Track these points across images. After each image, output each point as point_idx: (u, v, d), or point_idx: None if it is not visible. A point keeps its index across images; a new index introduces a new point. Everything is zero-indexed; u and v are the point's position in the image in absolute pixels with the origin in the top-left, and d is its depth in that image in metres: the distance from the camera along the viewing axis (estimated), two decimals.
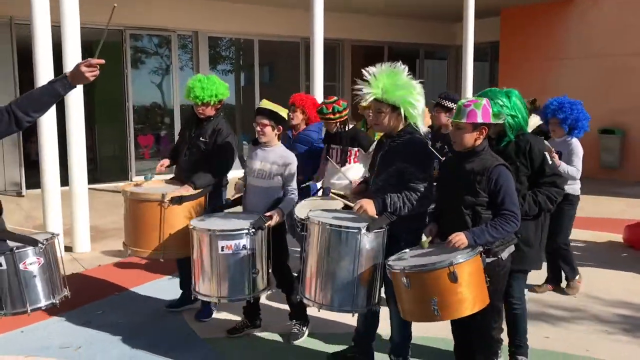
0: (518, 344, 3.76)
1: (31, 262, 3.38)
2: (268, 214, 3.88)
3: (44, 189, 6.46)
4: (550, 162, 3.48)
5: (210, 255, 3.75)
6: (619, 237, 7.05)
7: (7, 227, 3.39)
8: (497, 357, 3.49)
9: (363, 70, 3.43)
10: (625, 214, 8.40)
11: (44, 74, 6.26)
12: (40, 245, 3.40)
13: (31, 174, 9.58)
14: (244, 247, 3.73)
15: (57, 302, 3.54)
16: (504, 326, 3.61)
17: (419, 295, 3.00)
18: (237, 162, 4.84)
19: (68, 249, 6.60)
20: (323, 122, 5.14)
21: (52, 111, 6.35)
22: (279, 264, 4.11)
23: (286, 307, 4.38)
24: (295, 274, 4.39)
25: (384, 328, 3.89)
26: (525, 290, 3.87)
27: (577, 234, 7.14)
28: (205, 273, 3.81)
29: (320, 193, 5.08)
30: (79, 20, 6.51)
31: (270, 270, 4.04)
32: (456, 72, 14.82)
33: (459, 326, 3.50)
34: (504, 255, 3.20)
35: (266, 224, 3.82)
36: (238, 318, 4.50)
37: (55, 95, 3.01)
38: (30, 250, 3.38)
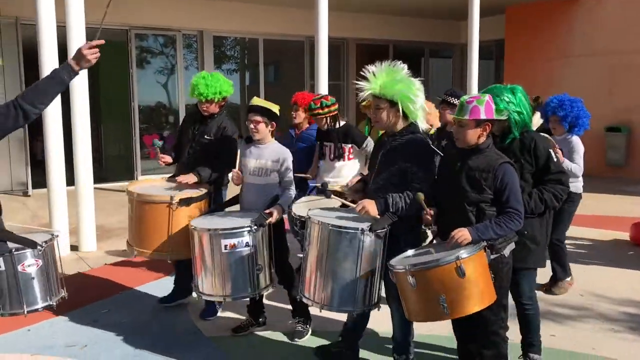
0: (530, 342, 3.73)
1: (29, 264, 3.39)
2: (268, 210, 3.89)
3: (50, 188, 6.48)
4: (555, 160, 3.45)
5: (212, 255, 3.75)
6: (625, 235, 7.02)
7: (14, 227, 3.41)
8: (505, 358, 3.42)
9: (363, 68, 3.44)
10: (631, 212, 8.36)
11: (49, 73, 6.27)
12: (39, 247, 3.40)
13: (37, 174, 9.62)
14: (247, 245, 3.74)
15: (54, 303, 3.54)
16: (511, 324, 3.58)
17: (426, 294, 2.94)
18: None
19: (74, 248, 6.62)
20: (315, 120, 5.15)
21: (58, 111, 6.39)
22: (280, 261, 4.12)
23: (289, 306, 4.38)
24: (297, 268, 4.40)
25: (383, 326, 3.90)
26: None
27: (583, 232, 7.13)
28: (208, 272, 3.81)
29: (315, 191, 5.08)
30: (84, 20, 6.52)
31: (272, 267, 4.05)
32: (461, 70, 14.78)
33: (461, 326, 3.42)
34: (506, 252, 3.18)
35: (267, 221, 3.83)
36: (243, 317, 4.51)
37: (60, 82, 3.05)
38: (29, 252, 3.38)
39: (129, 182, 4.97)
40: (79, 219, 6.66)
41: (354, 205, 3.44)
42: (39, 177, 8.74)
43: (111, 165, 12.29)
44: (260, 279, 3.86)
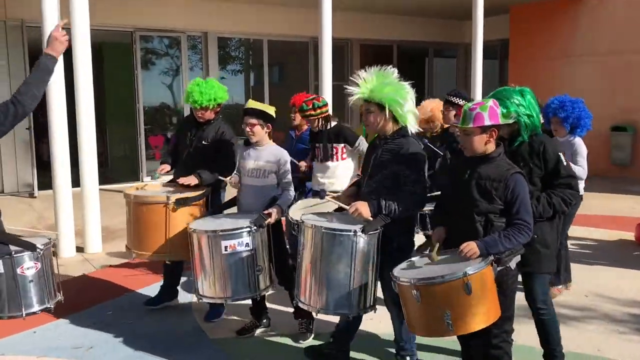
0: (552, 353, 3.61)
1: (28, 266, 3.41)
2: (267, 211, 3.90)
3: (56, 190, 6.52)
4: (565, 164, 3.39)
5: (212, 257, 3.76)
6: (630, 235, 6.99)
7: (12, 229, 3.43)
8: None
9: (355, 72, 3.49)
10: (636, 212, 8.33)
11: (55, 76, 6.29)
12: (38, 250, 3.43)
13: (43, 175, 9.67)
14: (247, 246, 3.75)
15: (52, 306, 3.57)
16: (524, 325, 3.54)
17: (431, 309, 2.86)
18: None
19: (79, 249, 6.65)
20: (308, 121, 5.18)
21: (64, 112, 6.42)
22: (279, 262, 4.13)
23: (291, 308, 4.39)
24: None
25: (381, 328, 3.91)
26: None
27: (588, 232, 7.11)
28: (207, 274, 3.82)
29: (311, 194, 5.09)
30: (88, 22, 6.55)
31: (272, 268, 4.06)
32: (465, 70, 14.75)
33: (464, 337, 3.30)
34: (512, 264, 3.10)
35: (266, 221, 3.84)
36: (248, 319, 4.51)
37: (47, 71, 3.27)
38: (27, 255, 3.40)
39: (133, 185, 4.99)
40: (85, 221, 6.69)
41: (348, 208, 3.45)
42: (45, 179, 8.78)
43: (116, 167, 12.34)
44: (260, 280, 3.87)
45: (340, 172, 4.84)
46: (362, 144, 4.87)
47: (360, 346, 4.05)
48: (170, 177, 4.82)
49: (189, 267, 4.06)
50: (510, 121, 3.25)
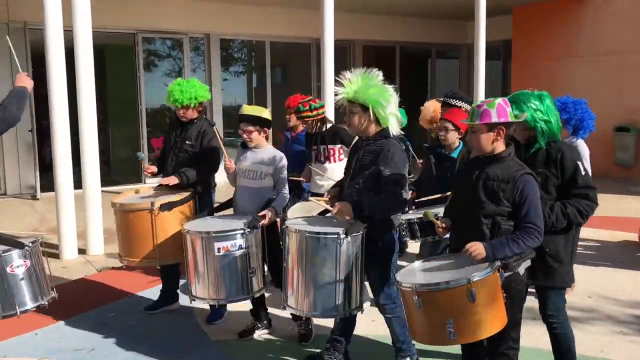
0: None
1: (18, 264, 3.42)
2: (261, 213, 3.90)
3: (58, 191, 6.51)
4: (583, 173, 3.23)
5: (205, 258, 3.76)
6: (634, 236, 6.96)
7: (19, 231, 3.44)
8: None
9: (340, 74, 3.52)
10: None
11: (57, 77, 6.32)
12: (26, 247, 3.44)
13: (46, 177, 9.68)
14: (240, 247, 3.75)
15: (46, 303, 3.58)
16: (534, 328, 3.48)
17: (433, 317, 2.76)
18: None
19: (82, 251, 6.65)
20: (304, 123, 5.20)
21: (65, 114, 6.43)
22: (275, 263, 4.12)
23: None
24: None
25: (379, 330, 3.88)
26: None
27: (592, 233, 7.08)
28: (201, 276, 3.82)
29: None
30: (90, 24, 6.56)
31: (266, 270, 4.05)
32: (468, 71, 14.72)
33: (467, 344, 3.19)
34: (521, 269, 2.97)
35: (260, 223, 3.84)
36: (249, 320, 4.50)
37: (21, 94, 3.54)
38: (15, 253, 3.41)
39: (135, 187, 5.01)
40: (87, 223, 6.69)
41: (332, 209, 3.48)
42: (48, 181, 8.78)
43: (119, 168, 12.33)
44: (254, 282, 3.87)
45: (338, 173, 4.83)
46: None
47: (360, 349, 4.05)
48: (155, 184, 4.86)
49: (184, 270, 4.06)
50: (521, 120, 3.14)
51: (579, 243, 6.46)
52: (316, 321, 4.32)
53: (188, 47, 11.98)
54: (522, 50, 13.35)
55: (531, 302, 3.51)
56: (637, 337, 4.31)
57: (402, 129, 6.06)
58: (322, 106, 4.95)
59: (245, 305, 4.43)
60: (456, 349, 3.92)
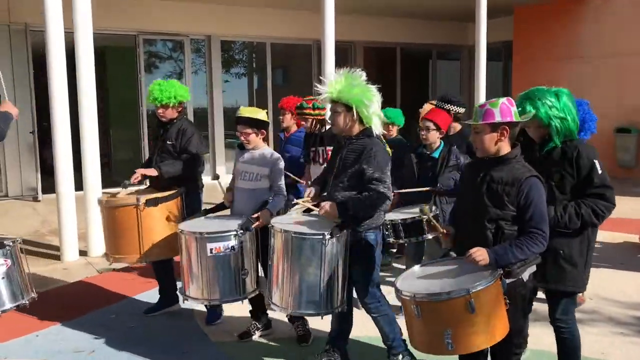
0: None
1: None
2: (255, 215, 3.90)
3: (59, 193, 6.52)
4: (600, 172, 3.12)
5: (198, 258, 3.78)
6: (635, 238, 6.95)
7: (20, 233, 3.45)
8: None
9: (322, 76, 3.57)
10: None
11: (58, 79, 6.33)
12: (7, 247, 3.45)
13: (47, 179, 9.67)
14: (233, 249, 3.76)
15: (26, 302, 3.60)
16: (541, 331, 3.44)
17: (431, 326, 2.71)
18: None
19: (83, 253, 6.65)
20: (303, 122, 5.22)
21: (66, 116, 6.44)
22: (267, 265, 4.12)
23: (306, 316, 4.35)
24: None
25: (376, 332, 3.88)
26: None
27: None
28: (194, 276, 3.83)
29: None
30: (91, 25, 6.57)
31: (260, 271, 4.06)
32: (469, 72, 14.71)
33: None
34: (525, 275, 2.89)
35: (253, 225, 3.84)
36: (249, 322, 4.50)
37: (5, 117, 3.81)
38: None
39: (104, 194, 5.03)
40: (88, 224, 6.69)
41: (317, 209, 3.52)
42: (49, 183, 8.78)
43: (120, 170, 12.34)
44: (247, 283, 3.88)
45: None
46: None
47: (359, 349, 4.05)
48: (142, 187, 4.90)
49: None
50: (526, 119, 3.04)
51: None
52: (314, 323, 4.31)
53: (189, 48, 11.99)
54: (523, 51, 13.35)
55: (534, 303, 3.51)
56: (637, 339, 4.30)
57: (400, 130, 6.11)
58: (324, 108, 4.97)
59: (245, 307, 4.43)
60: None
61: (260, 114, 4.15)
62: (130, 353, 4.16)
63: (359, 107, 3.48)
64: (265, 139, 4.27)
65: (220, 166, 12.18)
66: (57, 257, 6.54)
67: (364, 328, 4.17)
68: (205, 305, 4.59)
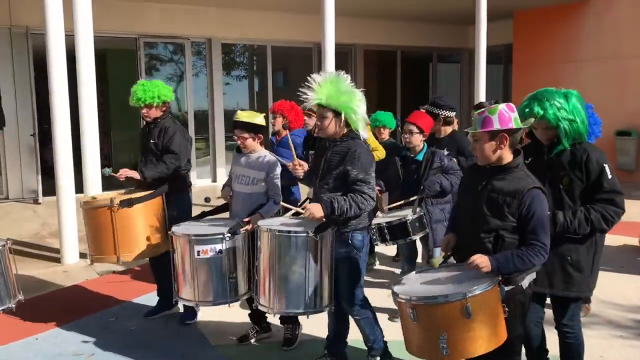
0: None
1: None
2: (247, 219, 3.91)
3: (59, 196, 6.53)
4: (610, 177, 3.07)
5: (189, 260, 3.81)
6: (634, 241, 6.96)
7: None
8: None
9: (309, 77, 3.55)
10: None
11: (59, 82, 6.34)
12: None
13: (48, 181, 9.68)
14: (220, 252, 3.77)
15: (13, 306, 3.62)
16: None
17: (427, 330, 2.66)
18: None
19: (83, 255, 6.63)
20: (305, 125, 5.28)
21: (67, 118, 6.45)
22: None
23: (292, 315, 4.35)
24: None
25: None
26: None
27: None
28: (185, 277, 3.87)
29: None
30: (92, 28, 6.58)
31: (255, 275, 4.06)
32: (469, 75, 14.72)
33: None
34: (525, 283, 2.85)
35: (242, 229, 3.85)
36: (249, 325, 4.51)
37: None
38: None
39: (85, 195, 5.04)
40: None
41: (303, 211, 3.54)
42: (50, 185, 8.78)
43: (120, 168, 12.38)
44: (240, 286, 3.88)
45: None
46: None
47: (358, 355, 4.04)
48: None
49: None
50: (526, 127, 2.95)
51: None
52: (314, 328, 4.32)
53: (190, 51, 12.01)
54: (523, 54, 13.35)
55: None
56: (637, 342, 4.31)
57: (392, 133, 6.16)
58: None
59: (244, 311, 4.44)
60: None
61: (258, 119, 4.15)
62: (130, 356, 4.17)
63: (348, 112, 3.51)
64: (263, 143, 4.27)
65: (220, 168, 12.20)
66: (58, 260, 6.55)
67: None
68: (185, 306, 4.62)
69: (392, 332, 4.00)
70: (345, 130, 3.59)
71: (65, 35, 6.39)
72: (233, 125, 4.18)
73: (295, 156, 4.07)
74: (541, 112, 3.06)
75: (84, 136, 6.61)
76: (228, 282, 3.80)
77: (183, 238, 3.83)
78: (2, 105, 9.75)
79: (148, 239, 4.35)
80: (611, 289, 5.40)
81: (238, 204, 4.20)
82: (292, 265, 3.43)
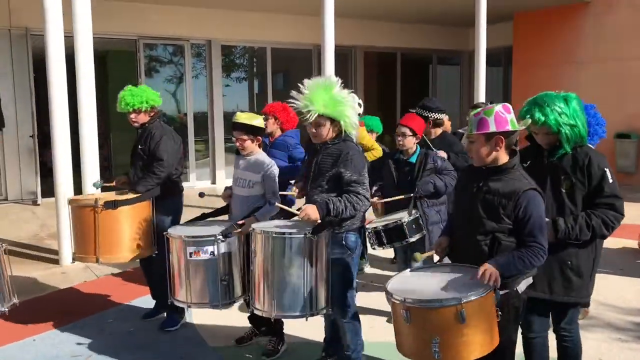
0: None
1: None
2: (240, 221, 3.90)
3: (58, 197, 6.52)
4: (611, 181, 3.05)
5: (182, 262, 3.81)
6: (634, 243, 6.95)
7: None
8: None
9: (299, 85, 3.54)
10: None
11: (58, 83, 6.34)
12: None
13: (47, 183, 9.68)
14: (212, 254, 3.75)
15: (6, 310, 3.60)
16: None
17: (419, 333, 2.63)
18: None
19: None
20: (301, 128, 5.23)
21: (66, 120, 6.45)
22: None
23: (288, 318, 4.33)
24: None
25: (375, 335, 3.85)
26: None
27: None
28: (180, 279, 3.86)
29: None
30: (91, 29, 6.58)
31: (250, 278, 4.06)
32: (469, 77, 14.72)
33: None
34: (521, 287, 2.84)
35: (235, 232, 3.84)
36: (247, 327, 4.50)
37: None
38: None
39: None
40: None
41: (298, 213, 3.53)
42: (49, 186, 8.79)
43: (120, 174, 12.36)
44: (236, 288, 3.87)
45: None
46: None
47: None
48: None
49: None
50: (522, 128, 2.89)
51: None
52: (311, 331, 4.31)
53: (189, 53, 12.01)
54: (523, 56, 13.36)
55: None
56: (636, 345, 4.30)
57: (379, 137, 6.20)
58: None
59: (243, 313, 4.43)
60: None
61: (256, 120, 4.15)
62: (128, 358, 4.16)
63: (345, 120, 3.53)
64: (262, 145, 4.27)
65: (219, 170, 12.19)
66: (56, 261, 6.54)
67: (370, 334, 4.15)
68: (168, 312, 4.64)
69: (392, 333, 3.97)
70: (336, 133, 3.59)
71: (65, 36, 6.40)
72: (232, 127, 4.18)
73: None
74: (542, 119, 3.04)
75: (83, 138, 6.60)
76: (220, 285, 3.78)
77: (177, 239, 3.82)
78: (1, 107, 9.77)
79: (131, 242, 4.34)
80: (610, 291, 5.39)
81: (236, 207, 4.20)
82: (288, 267, 3.38)
